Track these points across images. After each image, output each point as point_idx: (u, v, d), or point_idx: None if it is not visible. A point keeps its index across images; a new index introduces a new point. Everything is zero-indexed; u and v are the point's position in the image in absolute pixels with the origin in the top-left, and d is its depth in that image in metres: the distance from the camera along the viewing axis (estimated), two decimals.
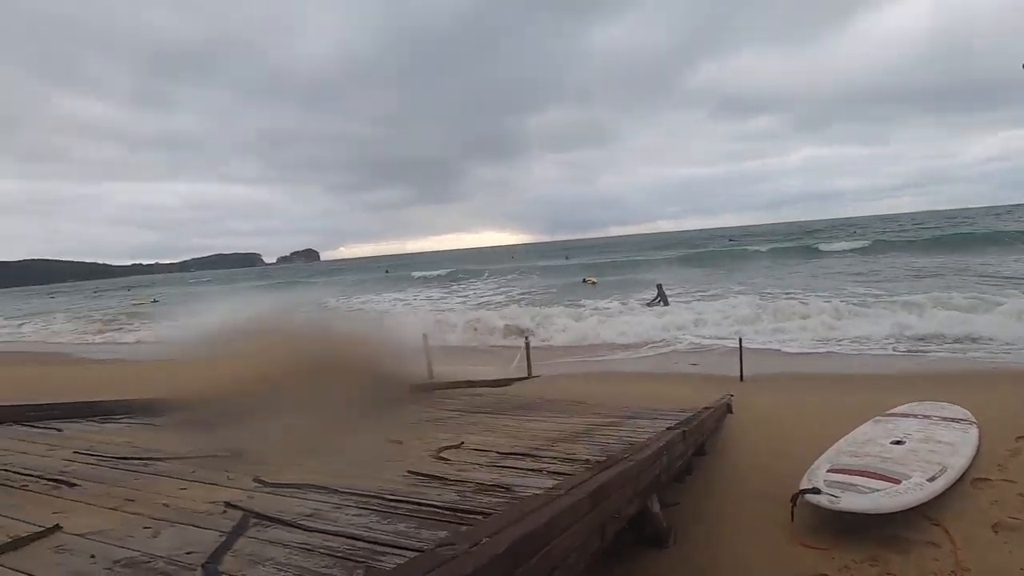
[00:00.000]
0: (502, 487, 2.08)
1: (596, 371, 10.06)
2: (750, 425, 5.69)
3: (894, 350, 9.63)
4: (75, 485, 2.01)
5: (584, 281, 25.07)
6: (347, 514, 1.72)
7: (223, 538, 1.44)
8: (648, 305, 15.41)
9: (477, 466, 2.58)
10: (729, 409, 6.02)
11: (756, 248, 37.46)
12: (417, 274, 38.99)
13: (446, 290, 30.46)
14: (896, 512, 3.18)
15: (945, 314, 10.80)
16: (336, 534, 1.50)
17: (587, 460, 2.66)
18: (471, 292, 27.88)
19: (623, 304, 16.91)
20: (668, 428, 3.28)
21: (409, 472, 2.30)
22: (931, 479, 3.45)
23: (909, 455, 3.86)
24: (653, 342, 11.52)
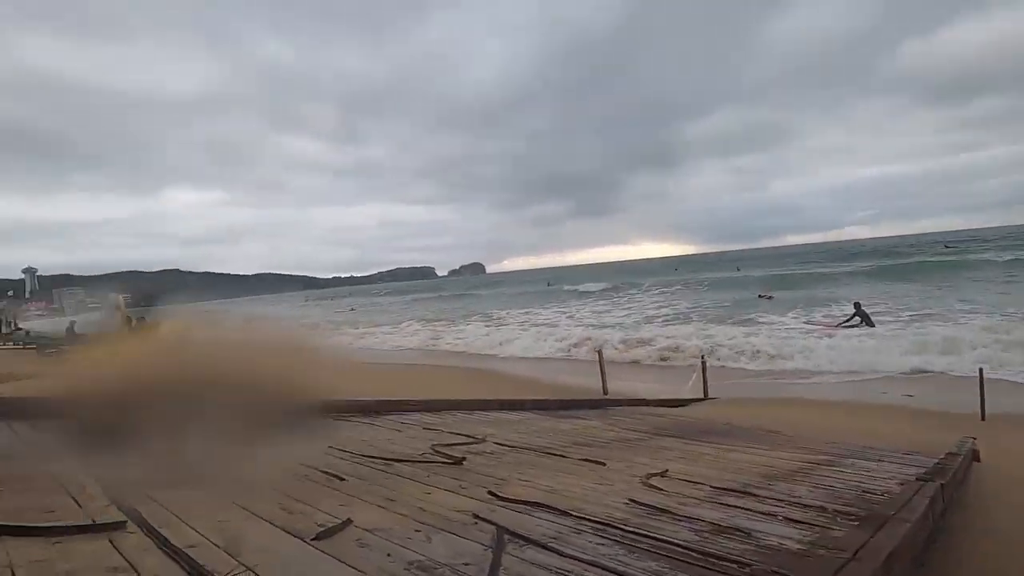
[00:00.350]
0: (740, 531, 1.93)
1: (778, 396, 9.11)
2: (1007, 478, 4.65)
3: None
4: (343, 479, 2.33)
5: (760, 296, 22.88)
6: (589, 541, 1.74)
7: (488, 553, 1.54)
8: (843, 326, 13.33)
9: (696, 500, 2.45)
10: (976, 456, 4.99)
11: (985, 257, 30.61)
12: (577, 287, 38.90)
13: (608, 302, 30.06)
14: None
15: None
16: (592, 564, 1.52)
17: (822, 508, 2.38)
18: (634, 305, 27.15)
19: (806, 322, 15.12)
20: (918, 478, 2.80)
21: (630, 500, 2.26)
22: None
23: None
24: (852, 371, 10.04)
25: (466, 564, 1.47)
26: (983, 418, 6.84)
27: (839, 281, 27.16)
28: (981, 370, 7.15)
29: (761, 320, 16.30)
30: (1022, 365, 9.15)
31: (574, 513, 2.01)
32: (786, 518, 2.18)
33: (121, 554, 1.40)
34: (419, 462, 2.85)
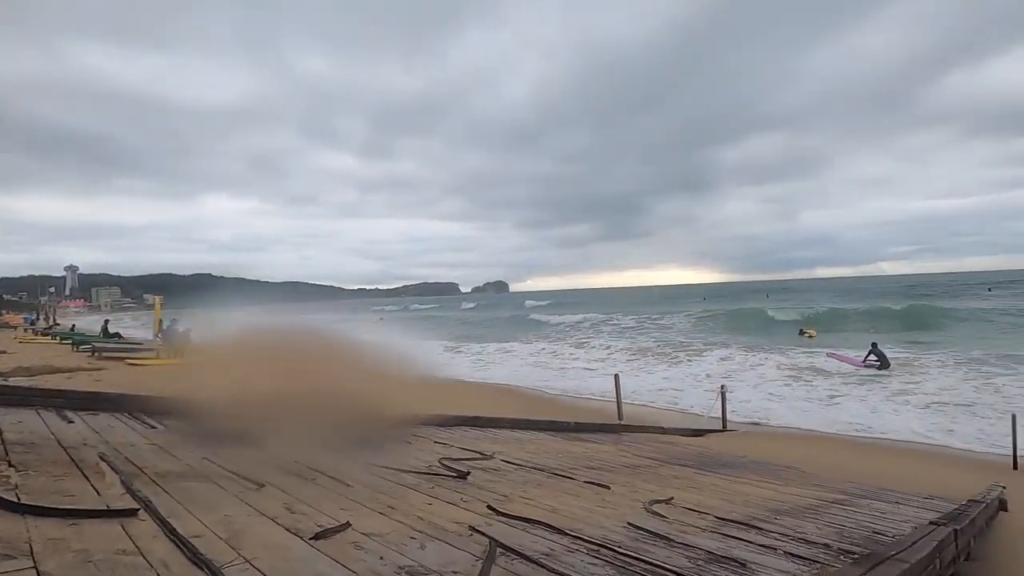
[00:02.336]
0: (735, 561, 1.92)
1: (798, 432, 8.87)
2: None
3: None
4: (349, 485, 2.39)
5: (801, 333, 21.94)
6: (581, 560, 1.75)
7: (478, 563, 1.57)
8: (867, 364, 12.97)
9: (697, 529, 2.43)
10: (1003, 506, 4.79)
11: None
12: (600, 320, 36.15)
13: (630, 340, 27.27)
14: None
15: None
16: None
17: (827, 545, 2.33)
18: (659, 337, 25.82)
19: (829, 355, 14.54)
20: (932, 522, 2.72)
21: (629, 524, 2.27)
22: None
23: None
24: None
25: (455, 573, 1.51)
26: (1015, 467, 6.56)
27: (878, 319, 26.08)
28: (1014, 416, 6.86)
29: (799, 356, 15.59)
30: None
31: (570, 532, 2.03)
32: (787, 552, 2.15)
33: (131, 538, 1.47)
34: (425, 474, 2.89)
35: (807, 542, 2.38)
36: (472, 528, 1.93)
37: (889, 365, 12.88)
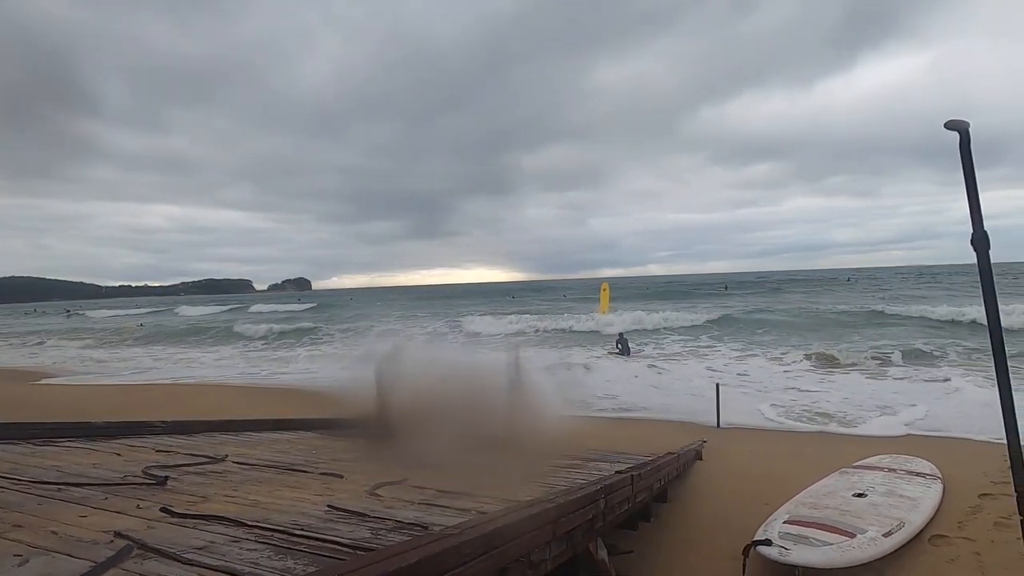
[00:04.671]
0: (421, 526, 2.01)
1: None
2: (719, 473, 5.59)
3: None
4: None
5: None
6: (242, 548, 1.65)
7: (88, 570, 1.37)
8: (611, 353, 15.64)
9: (409, 503, 2.49)
10: (699, 456, 5.92)
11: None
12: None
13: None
14: (846, 567, 3.09)
15: None
16: (215, 568, 1.43)
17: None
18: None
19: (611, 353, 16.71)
20: (618, 471, 3.21)
21: (330, 507, 2.23)
22: (887, 534, 3.37)
23: (869, 509, 3.78)
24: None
25: None
26: (718, 425, 8.18)
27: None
28: (718, 385, 8.58)
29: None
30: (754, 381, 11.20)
31: (252, 523, 1.91)
32: (479, 512, 2.32)
33: None
34: (109, 485, 2.48)
35: (506, 500, 2.60)
36: (117, 534, 1.69)
37: (630, 353, 15.51)
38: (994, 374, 1.83)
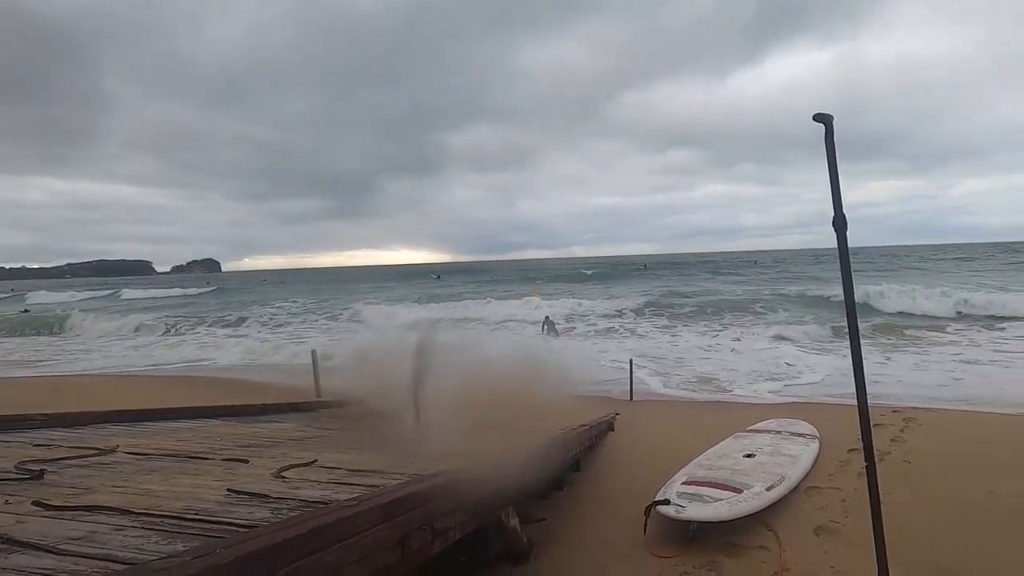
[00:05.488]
0: (325, 504, 1.99)
1: None
2: (628, 443, 5.92)
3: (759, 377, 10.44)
4: None
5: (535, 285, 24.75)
6: (126, 536, 1.57)
7: None
8: (541, 332, 16.25)
9: (316, 484, 2.46)
10: (611, 427, 6.23)
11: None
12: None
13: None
14: (735, 519, 3.41)
15: None
16: (93, 558, 1.36)
17: (383, 471, 2.65)
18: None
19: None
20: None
21: (230, 491, 2.16)
22: (769, 488, 3.73)
23: (756, 467, 4.16)
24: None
25: None
26: (631, 399, 8.63)
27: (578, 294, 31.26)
28: (631, 361, 9.02)
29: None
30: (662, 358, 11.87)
31: (139, 511, 1.81)
32: (369, 485, 2.35)
33: None
34: None
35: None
36: None
37: (558, 334, 16.19)
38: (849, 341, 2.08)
